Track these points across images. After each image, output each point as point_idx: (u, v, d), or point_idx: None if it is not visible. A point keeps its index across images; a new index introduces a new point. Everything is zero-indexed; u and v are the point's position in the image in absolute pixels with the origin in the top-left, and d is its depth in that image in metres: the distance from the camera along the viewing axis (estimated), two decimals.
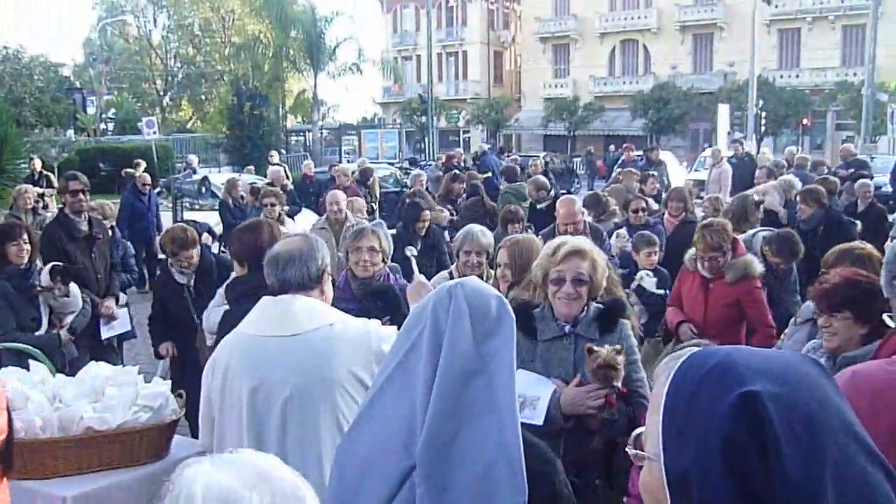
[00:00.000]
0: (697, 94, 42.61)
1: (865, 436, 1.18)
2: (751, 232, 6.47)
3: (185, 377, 4.77)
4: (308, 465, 2.71)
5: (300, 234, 3.45)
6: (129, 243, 10.97)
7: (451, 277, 5.34)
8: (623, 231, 7.26)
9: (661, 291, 6.06)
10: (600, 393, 3.17)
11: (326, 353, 2.86)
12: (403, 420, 1.98)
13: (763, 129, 36.29)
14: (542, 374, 3.26)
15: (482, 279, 4.63)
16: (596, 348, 3.24)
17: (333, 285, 3.36)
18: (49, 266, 5.43)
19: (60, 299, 5.38)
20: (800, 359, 1.26)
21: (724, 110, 31.82)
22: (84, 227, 6.48)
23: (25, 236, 5.45)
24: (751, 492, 1.10)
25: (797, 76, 43.97)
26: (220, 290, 4.70)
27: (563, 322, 3.39)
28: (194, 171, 20.35)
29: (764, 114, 36.51)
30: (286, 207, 9.72)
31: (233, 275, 4.58)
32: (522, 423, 2.65)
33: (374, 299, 4.53)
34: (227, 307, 4.39)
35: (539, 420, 3.08)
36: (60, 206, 6.69)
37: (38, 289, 5.29)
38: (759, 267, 5.44)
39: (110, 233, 7.31)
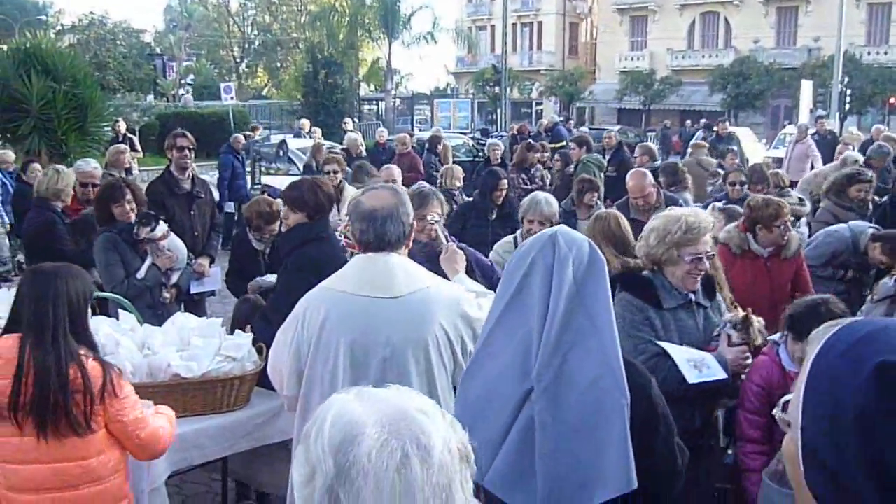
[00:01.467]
0: (779, 69, 41.33)
1: None
2: (858, 224, 6.14)
3: None
4: None
5: (388, 187, 3.26)
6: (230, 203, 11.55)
7: (516, 243, 5.34)
8: (720, 204, 7.04)
9: None
10: (748, 353, 3.54)
11: (425, 316, 2.93)
12: (518, 351, 2.29)
13: (847, 107, 35.04)
14: (676, 343, 3.48)
15: None
16: (751, 315, 3.59)
17: None
18: (141, 214, 5.51)
19: (165, 252, 5.44)
20: None
21: (807, 87, 30.77)
22: (187, 184, 6.59)
23: (129, 196, 5.51)
24: (886, 470, 1.03)
25: (886, 53, 42.24)
26: None
27: (687, 292, 3.60)
28: (308, 136, 20.16)
29: (849, 91, 35.19)
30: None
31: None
32: (709, 382, 3.27)
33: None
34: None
35: (724, 374, 3.38)
36: (167, 162, 6.77)
37: (147, 242, 5.37)
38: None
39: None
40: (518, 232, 5.64)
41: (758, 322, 3.62)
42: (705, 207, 7.07)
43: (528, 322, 2.29)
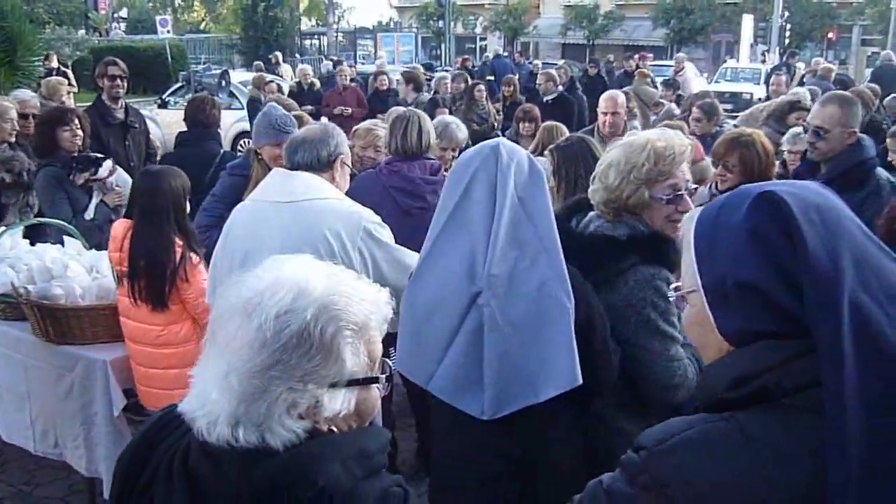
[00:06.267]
0: (721, 4, 41.55)
1: (879, 241, 1.28)
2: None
3: None
4: None
5: (322, 123, 3.65)
6: None
7: None
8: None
9: None
10: None
11: (312, 220, 3.03)
12: (464, 257, 2.32)
13: (787, 41, 35.50)
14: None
15: None
16: None
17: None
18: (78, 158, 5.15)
19: (114, 188, 5.07)
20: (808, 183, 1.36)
21: (747, 21, 31.12)
22: (120, 114, 6.43)
23: (77, 122, 5.23)
24: (782, 268, 1.22)
25: None
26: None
27: None
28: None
29: (789, 26, 35.63)
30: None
31: None
32: None
33: None
34: None
35: None
36: (98, 93, 6.57)
37: (94, 179, 5.02)
38: (712, 170, 5.23)
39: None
40: None
41: None
42: None
43: (473, 230, 2.32)
